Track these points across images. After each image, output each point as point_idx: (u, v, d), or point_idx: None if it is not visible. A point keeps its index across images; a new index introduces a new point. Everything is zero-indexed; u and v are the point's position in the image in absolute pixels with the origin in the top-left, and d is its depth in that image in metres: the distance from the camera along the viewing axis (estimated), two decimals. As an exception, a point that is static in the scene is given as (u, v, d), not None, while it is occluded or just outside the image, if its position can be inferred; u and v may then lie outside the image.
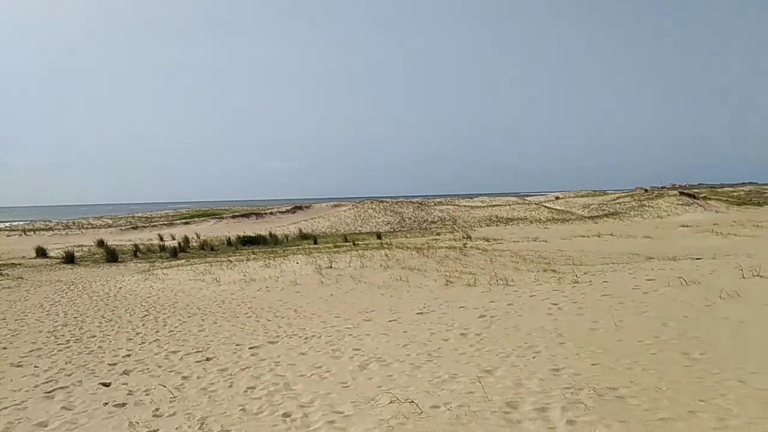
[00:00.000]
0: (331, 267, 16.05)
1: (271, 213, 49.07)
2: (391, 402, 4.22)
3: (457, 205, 47.31)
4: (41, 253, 27.59)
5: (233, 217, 47.69)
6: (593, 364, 4.78)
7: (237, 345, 7.86)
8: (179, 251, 30.21)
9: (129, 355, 7.89)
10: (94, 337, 9.67)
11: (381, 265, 15.87)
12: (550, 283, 11.09)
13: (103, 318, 11.64)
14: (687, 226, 30.72)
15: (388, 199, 47.45)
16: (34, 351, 8.72)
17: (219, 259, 22.54)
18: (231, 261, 19.29)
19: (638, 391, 3.99)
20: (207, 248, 33.46)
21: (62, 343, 9.21)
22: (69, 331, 10.36)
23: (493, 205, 46.08)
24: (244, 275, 16.16)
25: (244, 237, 37.47)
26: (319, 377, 5.49)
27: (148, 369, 6.89)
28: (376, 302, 11.06)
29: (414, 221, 41.11)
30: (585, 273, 12.77)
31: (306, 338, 7.82)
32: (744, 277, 8.07)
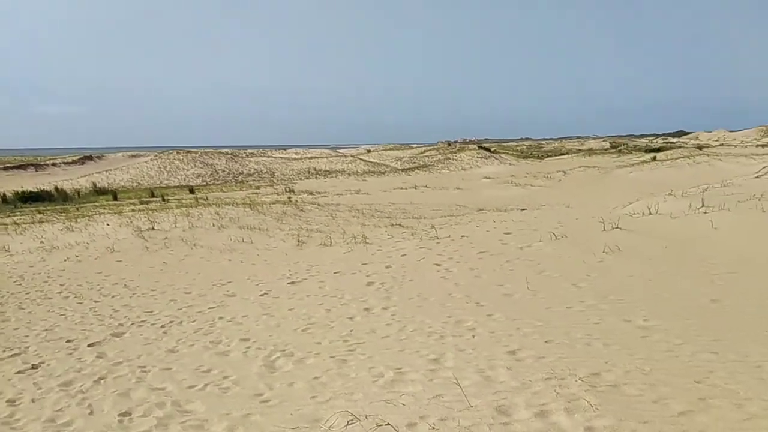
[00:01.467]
0: (153, 228, 13.86)
1: (53, 164, 41.99)
2: (349, 423, 3.19)
3: (273, 157, 45.38)
4: None
5: (5, 168, 39.81)
6: (546, 342, 4.28)
7: (68, 341, 6.00)
8: (-65, 211, 24.19)
9: None
10: None
11: (214, 225, 14.14)
12: (410, 240, 10.69)
13: None
14: (489, 178, 33.23)
15: (196, 150, 43.62)
16: None
17: (1, 222, 18.35)
18: (18, 224, 15.70)
19: (625, 376, 3.55)
20: (-26, 207, 27.44)
21: None
22: None
23: (310, 158, 45.06)
24: (42, 242, 13.19)
25: (24, 193, 31.47)
26: (219, 389, 4.16)
27: (-60, 392, 4.82)
28: (226, 271, 9.60)
29: (228, 174, 38.43)
30: (432, 227, 12.68)
31: (163, 326, 6.24)
32: (605, 230, 8.41)
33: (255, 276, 8.82)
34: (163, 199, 28.12)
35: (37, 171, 39.58)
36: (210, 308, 6.88)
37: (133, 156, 45.67)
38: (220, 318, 6.31)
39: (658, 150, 44.89)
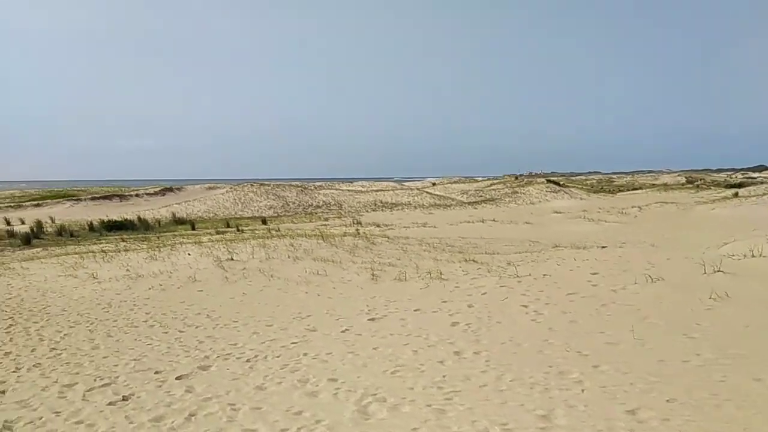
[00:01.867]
0: (232, 259, 14.08)
1: (137, 195, 44.27)
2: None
3: (341, 190, 46.06)
4: None
5: (93, 199, 42.31)
6: (668, 401, 3.84)
7: (156, 373, 6.01)
8: (33, 238, 25.76)
9: (2, 392, 5.72)
10: (-59, 362, 7.16)
11: (289, 256, 14.23)
12: (488, 278, 10.32)
13: (-51, 331, 8.90)
14: (559, 213, 32.22)
15: (269, 182, 44.90)
16: None
17: (90, 249, 19.30)
18: (105, 252, 16.41)
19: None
20: (66, 234, 29.09)
21: None
22: None
23: (377, 190, 45.44)
24: (127, 270, 13.65)
25: (109, 222, 33.19)
26: (314, 434, 3.98)
27: (39, 419, 4.89)
28: (304, 303, 9.54)
29: (298, 205, 39.21)
30: (508, 264, 12.25)
31: (248, 360, 6.17)
32: (706, 273, 7.77)
33: (333, 310, 8.69)
34: (238, 230, 28.92)
35: (121, 201, 41.81)
36: (293, 343, 6.77)
37: (210, 188, 47.49)
38: (305, 354, 6.16)
39: (739, 185, 42.38)
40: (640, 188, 52.38)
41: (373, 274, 11.69)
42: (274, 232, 26.86)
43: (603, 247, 15.48)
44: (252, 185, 42.90)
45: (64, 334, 8.37)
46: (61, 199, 42.16)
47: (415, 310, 7.93)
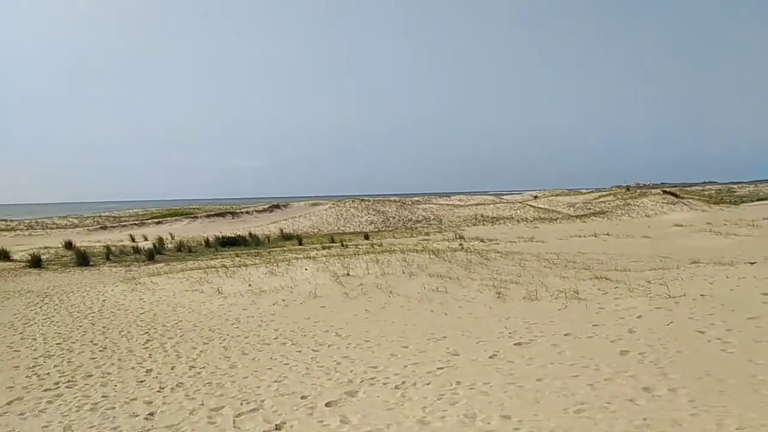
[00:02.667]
0: (348, 274, 13.81)
1: (247, 212, 46.14)
2: None
3: (440, 204, 45.46)
4: (4, 255, 24.34)
5: (207, 216, 44.59)
6: None
7: (303, 398, 5.63)
8: (156, 253, 27.26)
9: (152, 414, 5.58)
10: (91, 376, 7.28)
11: (404, 272, 13.74)
12: (633, 298, 9.23)
13: (95, 345, 9.19)
14: (680, 225, 29.64)
15: (369, 198, 45.22)
16: (13, 403, 6.29)
17: (208, 264, 19.97)
18: (226, 267, 16.79)
19: None
20: (184, 250, 30.61)
21: (50, 389, 6.81)
22: (55, 366, 7.91)
23: (477, 204, 44.37)
24: (249, 285, 13.77)
25: (223, 238, 34.70)
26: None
27: (195, 447, 4.62)
28: (433, 323, 8.96)
29: (398, 220, 39.05)
30: (648, 282, 11.02)
31: (397, 387, 5.65)
32: None
33: (469, 332, 8.02)
34: (342, 245, 29.06)
35: (233, 218, 43.71)
36: (439, 368, 6.18)
37: (314, 204, 48.59)
38: (458, 383, 5.54)
39: None
40: (766, 198, 47.44)
41: (498, 292, 10.93)
42: (377, 246, 26.75)
43: (752, 263, 13.69)
44: (353, 201, 43.36)
45: (200, 351, 8.33)
46: (179, 217, 44.81)
47: (565, 335, 7.09)
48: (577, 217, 35.72)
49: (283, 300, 11.94)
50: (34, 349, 9.08)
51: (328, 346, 7.94)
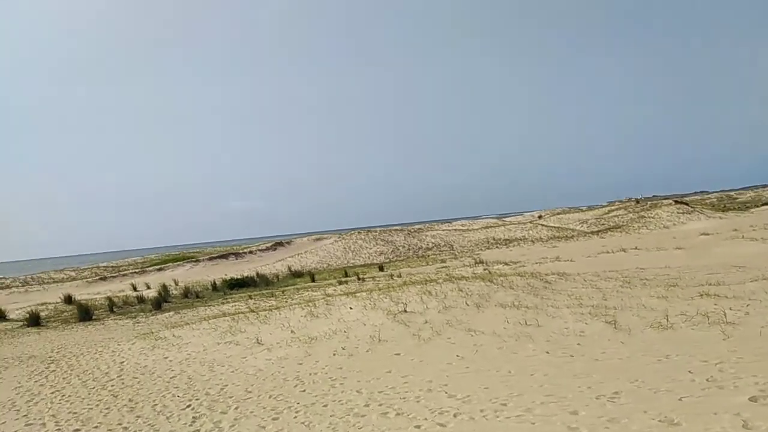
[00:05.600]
0: (405, 311, 11.55)
1: (250, 252, 43.60)
2: None
3: (446, 230, 43.36)
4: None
5: (210, 258, 41.97)
6: None
7: None
8: (162, 301, 24.68)
9: None
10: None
11: (467, 304, 11.54)
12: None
13: (125, 430, 6.79)
14: (707, 234, 27.77)
15: (375, 228, 43.06)
16: None
17: (221, 310, 17.53)
18: (257, 312, 14.42)
19: None
20: (191, 295, 27.98)
21: None
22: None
23: (486, 227, 42.35)
24: (292, 331, 11.45)
25: (230, 280, 32.13)
26: None
27: None
28: (566, 370, 6.73)
29: (408, 249, 36.81)
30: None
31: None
32: None
33: (639, 380, 5.80)
34: (359, 278, 26.76)
35: (237, 259, 41.16)
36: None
37: (317, 239, 46.24)
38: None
39: None
40: (768, 202, 46.15)
41: (608, 322, 8.77)
42: (396, 278, 24.50)
43: None
44: (359, 232, 41.11)
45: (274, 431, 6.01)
46: (181, 262, 42.13)
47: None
48: (593, 233, 33.80)
49: (343, 348, 9.64)
50: (46, 443, 6.69)
51: (454, 416, 5.66)
